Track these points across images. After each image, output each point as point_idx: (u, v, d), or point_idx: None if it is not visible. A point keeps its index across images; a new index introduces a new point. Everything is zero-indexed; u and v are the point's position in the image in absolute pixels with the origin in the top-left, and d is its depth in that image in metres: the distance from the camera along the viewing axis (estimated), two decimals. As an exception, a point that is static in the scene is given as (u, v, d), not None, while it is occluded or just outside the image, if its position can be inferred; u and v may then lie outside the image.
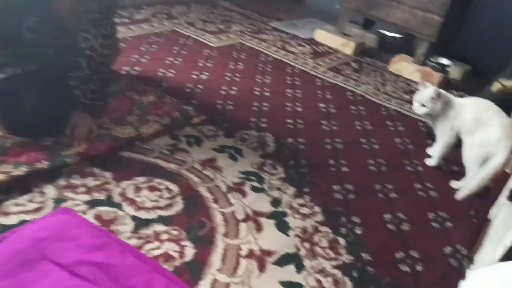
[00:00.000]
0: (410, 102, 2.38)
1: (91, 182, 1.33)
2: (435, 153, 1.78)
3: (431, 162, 1.80)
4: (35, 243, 1.03)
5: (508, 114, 1.51)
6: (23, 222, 1.13)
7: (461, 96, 2.55)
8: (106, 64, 1.59)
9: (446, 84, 2.69)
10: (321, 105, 2.17)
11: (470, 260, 1.31)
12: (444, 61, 2.69)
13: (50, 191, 1.26)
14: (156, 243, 1.16)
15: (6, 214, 1.15)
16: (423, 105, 1.71)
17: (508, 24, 2.82)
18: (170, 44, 2.56)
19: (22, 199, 1.21)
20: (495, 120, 1.57)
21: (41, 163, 1.31)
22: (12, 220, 1.14)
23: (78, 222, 1.13)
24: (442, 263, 1.32)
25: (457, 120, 1.67)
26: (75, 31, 1.49)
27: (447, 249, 1.37)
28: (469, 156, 1.62)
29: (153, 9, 3.12)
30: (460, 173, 1.71)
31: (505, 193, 1.00)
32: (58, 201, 1.23)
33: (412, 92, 2.50)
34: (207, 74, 2.26)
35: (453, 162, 1.81)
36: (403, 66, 2.76)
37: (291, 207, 1.41)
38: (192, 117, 1.78)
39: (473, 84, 2.75)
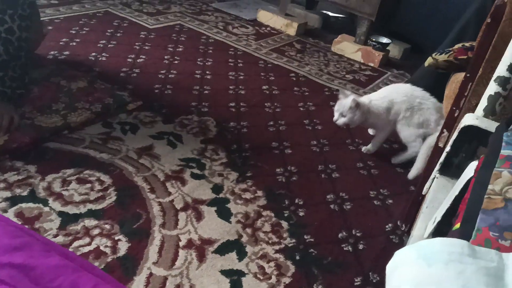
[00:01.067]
0: (352, 82, 2.40)
1: (12, 177, 1.21)
2: (373, 144, 1.77)
3: (369, 149, 1.77)
4: None
5: (443, 85, 1.55)
6: None
7: (401, 74, 2.61)
8: (26, 48, 1.45)
9: (386, 62, 2.74)
10: (264, 87, 2.12)
11: (409, 236, 1.33)
12: (384, 39, 2.72)
13: (-38, 189, 1.14)
14: (86, 239, 1.08)
15: None
16: (343, 115, 1.63)
17: (443, 1, 2.89)
18: (103, 26, 2.40)
19: None
20: (426, 103, 1.63)
21: (-49, 159, 1.18)
22: None
23: (-6, 222, 1.03)
24: (383, 239, 1.33)
25: (392, 115, 1.68)
26: None
27: (388, 226, 1.39)
28: (409, 136, 1.65)
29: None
30: (400, 150, 1.74)
31: (436, 167, 1.01)
32: (-31, 200, 1.11)
33: (354, 72, 2.51)
34: (144, 57, 2.14)
35: (393, 141, 1.84)
36: (346, 46, 2.77)
37: (233, 193, 1.36)
38: (127, 103, 1.68)
39: (412, 61, 2.81)
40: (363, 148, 1.77)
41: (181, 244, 1.13)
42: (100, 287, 0.92)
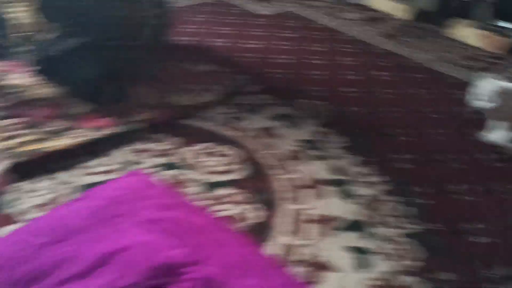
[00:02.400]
0: (470, 68, 2.26)
1: (156, 147, 1.39)
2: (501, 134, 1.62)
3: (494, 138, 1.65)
4: (112, 202, 1.09)
5: None
6: (100, 182, 1.21)
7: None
8: (160, 34, 1.62)
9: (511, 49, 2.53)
10: (375, 73, 2.11)
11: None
12: (507, 24, 2.52)
13: (121, 154, 1.33)
14: (222, 206, 1.21)
15: (84, 174, 1.24)
16: (483, 100, 1.51)
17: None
18: (219, 13, 2.57)
19: (98, 161, 1.29)
20: None
21: (112, 128, 1.38)
22: (90, 180, 1.22)
23: (148, 184, 1.19)
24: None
25: None
26: (129, 1, 1.53)
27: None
28: None
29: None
30: None
31: None
32: (127, 164, 1.30)
33: (473, 59, 2.37)
34: (258, 43, 2.25)
35: None
36: (464, 31, 2.61)
37: (355, 175, 1.39)
38: (247, 86, 1.80)
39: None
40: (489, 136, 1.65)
41: (303, 218, 1.21)
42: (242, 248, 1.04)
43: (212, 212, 1.16)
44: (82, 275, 0.92)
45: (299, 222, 1.19)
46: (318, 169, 1.40)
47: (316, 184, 1.34)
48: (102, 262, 0.95)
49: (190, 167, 1.33)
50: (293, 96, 1.79)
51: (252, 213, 1.20)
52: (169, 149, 1.39)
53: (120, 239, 1.00)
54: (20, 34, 1.60)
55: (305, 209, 1.24)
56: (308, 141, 1.53)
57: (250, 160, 1.40)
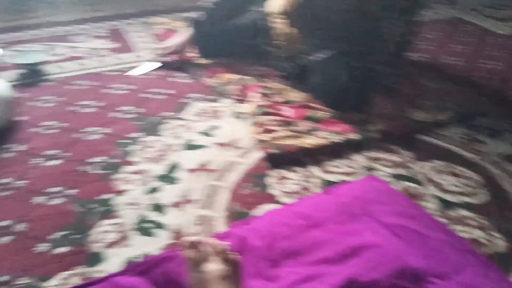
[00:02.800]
0: None
1: (393, 157, 1.45)
2: None
3: None
4: (357, 200, 1.20)
5: None
6: (341, 182, 1.33)
7: None
8: (405, 50, 1.67)
9: None
10: None
11: None
12: None
13: (360, 159, 1.43)
14: (462, 227, 1.19)
15: (327, 172, 1.37)
16: None
17: None
18: (454, 31, 2.48)
19: (338, 162, 1.42)
20: None
21: (352, 134, 1.50)
22: (333, 178, 1.35)
23: (389, 191, 1.26)
24: None
25: None
26: (379, 18, 1.61)
27: None
28: None
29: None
30: None
31: None
32: (367, 169, 1.39)
33: None
34: (497, 64, 2.11)
35: None
36: None
37: None
38: (488, 108, 1.71)
39: None
40: None
41: (557, 258, 1.11)
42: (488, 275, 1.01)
43: (455, 230, 1.16)
44: (333, 261, 1.04)
45: (552, 262, 1.09)
46: None
47: None
48: (351, 253, 1.04)
49: (425, 182, 1.34)
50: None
51: (490, 241, 1.14)
52: (404, 161, 1.43)
53: (368, 236, 1.08)
54: (278, 43, 1.86)
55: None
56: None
57: (490, 185, 1.34)
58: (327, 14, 1.67)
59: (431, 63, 2.09)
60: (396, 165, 1.41)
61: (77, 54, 2.11)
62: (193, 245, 0.80)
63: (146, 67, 1.95)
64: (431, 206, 1.25)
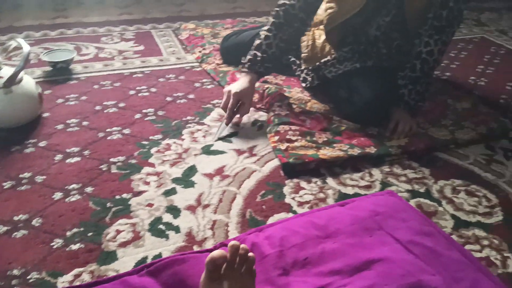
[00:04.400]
0: None
1: (410, 173, 1.44)
2: None
3: None
4: (372, 215, 1.19)
5: None
6: (356, 194, 1.32)
7: None
8: (435, 69, 1.65)
9: None
10: None
11: None
12: None
13: (377, 173, 1.42)
14: (477, 246, 1.17)
15: (344, 184, 1.37)
16: None
17: None
18: (480, 51, 2.46)
19: (355, 175, 1.41)
20: None
21: (370, 148, 1.49)
22: (348, 190, 1.35)
23: (405, 206, 1.25)
24: None
25: None
26: (412, 34, 1.60)
27: None
28: None
29: (460, 15, 3.04)
30: None
31: None
32: (384, 184, 1.38)
33: None
34: (523, 86, 2.08)
35: None
36: None
37: None
38: (510, 130, 1.68)
39: None
40: None
41: None
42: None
43: (470, 250, 1.14)
44: (343, 273, 1.03)
45: None
46: None
47: None
48: (363, 266, 1.04)
49: (442, 200, 1.33)
50: None
51: (506, 262, 1.13)
52: (421, 178, 1.42)
53: (381, 250, 1.08)
54: (306, 55, 1.86)
55: None
56: None
57: (508, 208, 1.31)
58: (365, 28, 1.68)
59: (457, 82, 2.07)
60: (413, 181, 1.40)
61: (104, 55, 2.16)
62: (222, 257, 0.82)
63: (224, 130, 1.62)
64: (446, 224, 1.24)
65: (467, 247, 1.17)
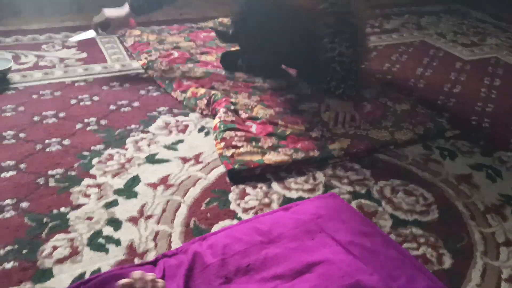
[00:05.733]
0: None
1: (352, 175, 1.48)
2: None
3: None
4: (314, 218, 1.21)
5: None
6: (301, 198, 1.35)
7: None
8: (358, 64, 1.74)
9: None
10: None
11: None
12: None
13: (321, 176, 1.45)
14: (414, 244, 1.22)
15: (288, 189, 1.39)
16: None
17: None
18: (419, 54, 2.57)
19: (299, 179, 1.44)
20: None
21: (313, 152, 1.52)
22: (292, 194, 1.37)
23: (346, 208, 1.29)
24: None
25: None
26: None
27: None
28: None
29: (402, 19, 3.17)
30: None
31: None
32: (327, 186, 1.41)
33: None
34: (459, 87, 2.19)
35: None
36: None
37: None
38: (446, 130, 1.77)
39: None
40: None
41: (503, 276, 1.14)
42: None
43: (407, 249, 1.19)
44: (285, 277, 1.05)
45: (499, 280, 1.13)
46: (523, 229, 1.30)
47: (518, 244, 1.25)
48: (304, 269, 1.06)
49: (382, 200, 1.37)
50: (496, 147, 1.70)
51: (441, 259, 1.18)
52: (363, 179, 1.46)
53: (322, 252, 1.10)
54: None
55: (505, 268, 1.17)
56: (511, 197, 1.44)
57: (444, 205, 1.38)
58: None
59: (397, 84, 2.15)
60: (355, 183, 1.44)
61: (45, 63, 2.08)
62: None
63: (87, 34, 2.05)
64: (385, 223, 1.28)
65: (405, 245, 1.21)
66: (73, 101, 1.77)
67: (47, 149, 1.46)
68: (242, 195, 1.35)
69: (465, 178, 1.52)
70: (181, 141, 1.59)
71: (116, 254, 1.09)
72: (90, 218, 1.19)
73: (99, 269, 1.04)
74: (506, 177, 1.54)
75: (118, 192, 1.30)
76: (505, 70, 2.45)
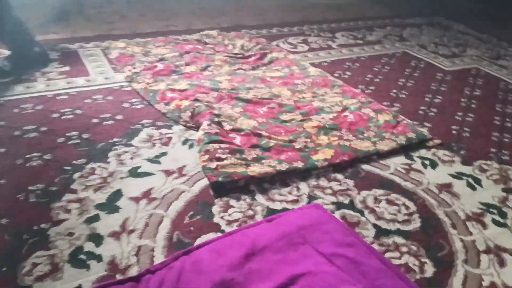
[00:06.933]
0: None
1: (336, 186, 1.49)
2: None
3: None
4: (298, 229, 1.22)
5: None
6: (284, 209, 1.35)
7: None
8: None
9: None
10: None
11: None
12: None
13: (304, 187, 1.46)
14: (396, 253, 1.23)
15: (272, 200, 1.39)
16: None
17: None
18: (401, 65, 2.61)
19: (283, 190, 1.44)
20: None
21: (297, 163, 1.53)
22: (276, 205, 1.37)
23: (329, 219, 1.29)
24: None
25: None
26: None
27: None
28: None
29: (384, 31, 3.23)
30: None
31: None
32: (310, 197, 1.42)
33: None
34: (440, 98, 2.23)
35: None
36: None
37: (541, 250, 1.29)
38: (427, 139, 1.79)
39: None
40: None
41: (484, 284, 1.16)
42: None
43: (389, 258, 1.19)
44: (270, 290, 1.05)
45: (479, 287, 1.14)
46: (502, 236, 1.32)
47: (498, 251, 1.27)
48: (288, 282, 1.06)
49: (365, 210, 1.38)
50: (476, 157, 1.73)
51: (423, 267, 1.19)
52: (346, 189, 1.47)
53: (305, 265, 1.10)
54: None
55: (485, 275, 1.18)
56: (491, 206, 1.46)
57: (426, 214, 1.40)
58: None
59: (379, 96, 2.18)
60: (338, 193, 1.45)
61: (26, 76, 2.06)
62: None
63: None
64: (368, 233, 1.29)
65: (388, 254, 1.22)
66: (55, 115, 1.75)
67: (28, 164, 1.45)
68: (226, 207, 1.35)
69: (446, 187, 1.54)
70: (164, 153, 1.58)
71: (97, 270, 1.07)
72: (71, 234, 1.18)
73: (79, 286, 1.02)
74: (486, 185, 1.57)
75: (99, 206, 1.29)
76: (485, 80, 2.50)
